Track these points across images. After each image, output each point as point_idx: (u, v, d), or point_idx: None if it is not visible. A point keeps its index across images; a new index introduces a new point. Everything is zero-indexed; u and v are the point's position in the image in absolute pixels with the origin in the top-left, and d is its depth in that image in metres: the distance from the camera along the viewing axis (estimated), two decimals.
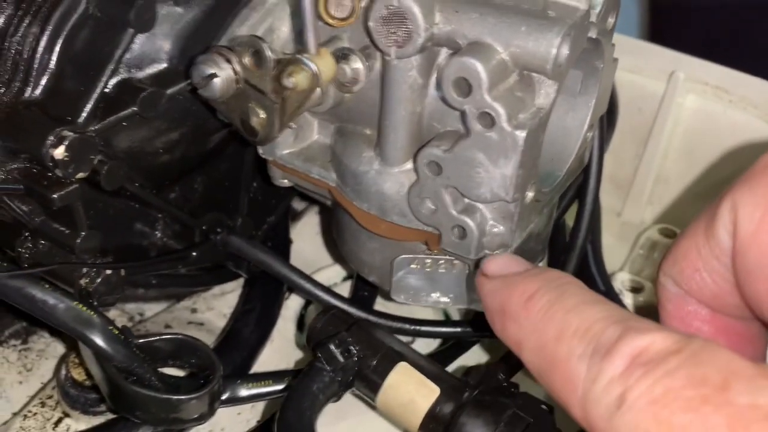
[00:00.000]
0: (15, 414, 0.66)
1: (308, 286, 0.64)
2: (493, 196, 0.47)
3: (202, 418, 0.52)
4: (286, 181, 0.61)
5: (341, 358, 0.50)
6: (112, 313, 0.78)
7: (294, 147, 0.59)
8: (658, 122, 0.83)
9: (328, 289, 0.64)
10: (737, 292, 0.36)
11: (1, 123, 0.51)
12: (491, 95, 0.44)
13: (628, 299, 0.69)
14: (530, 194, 0.49)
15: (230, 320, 0.71)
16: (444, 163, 0.48)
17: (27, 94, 0.52)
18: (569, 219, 0.75)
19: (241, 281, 0.76)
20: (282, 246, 0.79)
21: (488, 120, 0.44)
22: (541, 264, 0.65)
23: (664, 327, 0.32)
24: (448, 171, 0.48)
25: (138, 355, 0.51)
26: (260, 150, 0.59)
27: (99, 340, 0.50)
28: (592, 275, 0.69)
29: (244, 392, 0.56)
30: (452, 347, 0.67)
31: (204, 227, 0.66)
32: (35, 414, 0.64)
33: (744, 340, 0.39)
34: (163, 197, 0.64)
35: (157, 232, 0.66)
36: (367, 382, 0.52)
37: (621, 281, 0.70)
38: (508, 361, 0.57)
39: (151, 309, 0.79)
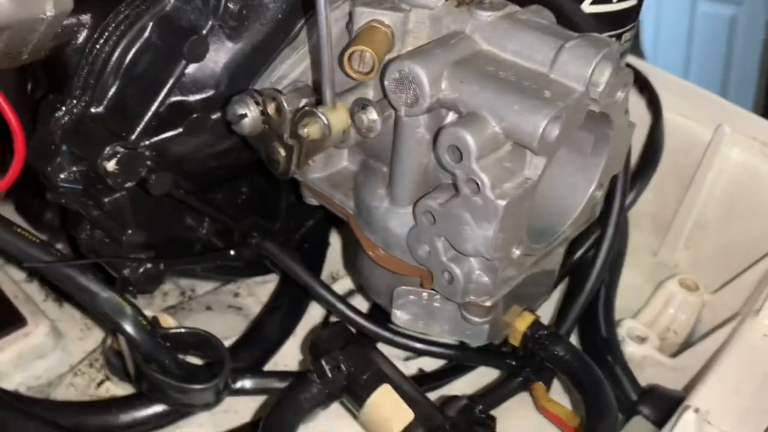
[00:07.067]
0: (71, 367, 0.76)
1: (328, 296, 0.69)
2: (476, 252, 0.51)
3: (209, 406, 0.60)
4: (314, 200, 0.67)
5: (330, 374, 0.56)
6: (167, 287, 0.87)
7: (323, 172, 0.64)
8: (701, 169, 0.84)
9: (345, 302, 0.69)
10: None
11: (69, 132, 0.59)
12: (479, 164, 0.48)
13: (631, 347, 0.71)
14: (517, 252, 0.53)
15: (258, 314, 0.78)
16: (437, 215, 0.52)
17: (93, 109, 0.60)
18: None
19: None
20: (319, 247, 0.85)
21: (474, 186, 0.48)
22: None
23: None
24: (440, 223, 0.52)
25: (162, 344, 0.59)
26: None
27: (130, 329, 0.58)
28: (598, 320, 0.71)
29: (250, 385, 0.63)
30: (456, 367, 0.72)
31: (243, 229, 0.73)
32: (84, 373, 0.74)
33: None
34: (210, 198, 0.72)
35: (203, 229, 0.74)
36: (354, 396, 0.58)
37: (627, 329, 0.72)
38: (488, 395, 0.62)
39: (202, 287, 0.87)
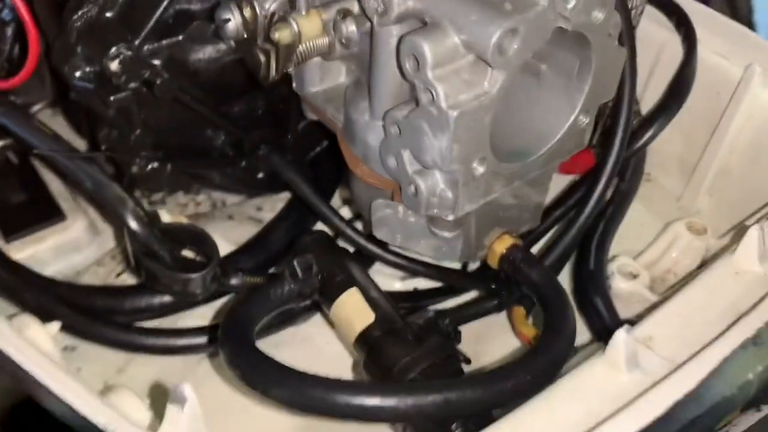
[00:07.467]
0: (97, 259, 0.83)
1: (324, 209, 0.72)
2: (433, 163, 0.53)
3: (199, 296, 0.64)
4: (312, 115, 0.70)
5: (300, 274, 0.60)
6: (201, 198, 0.93)
7: (320, 86, 0.67)
8: (729, 110, 0.80)
9: (339, 215, 0.72)
10: None
11: (83, 34, 0.64)
12: (434, 74, 0.49)
13: (619, 282, 0.71)
14: (480, 168, 0.54)
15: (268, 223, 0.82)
16: (402, 126, 0.54)
17: (107, 13, 0.64)
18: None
19: None
20: (335, 167, 0.88)
21: (430, 96, 0.50)
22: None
23: None
24: (405, 134, 0.54)
25: (159, 236, 0.64)
26: (293, 84, 0.68)
27: (129, 219, 0.63)
28: (589, 252, 0.71)
29: (241, 282, 0.67)
30: (446, 288, 0.74)
31: (253, 141, 0.76)
32: (106, 264, 0.81)
33: None
34: (227, 109, 0.76)
35: (219, 139, 0.78)
36: (325, 298, 0.61)
37: (619, 264, 0.72)
38: (458, 311, 0.64)
39: (232, 199, 0.92)
